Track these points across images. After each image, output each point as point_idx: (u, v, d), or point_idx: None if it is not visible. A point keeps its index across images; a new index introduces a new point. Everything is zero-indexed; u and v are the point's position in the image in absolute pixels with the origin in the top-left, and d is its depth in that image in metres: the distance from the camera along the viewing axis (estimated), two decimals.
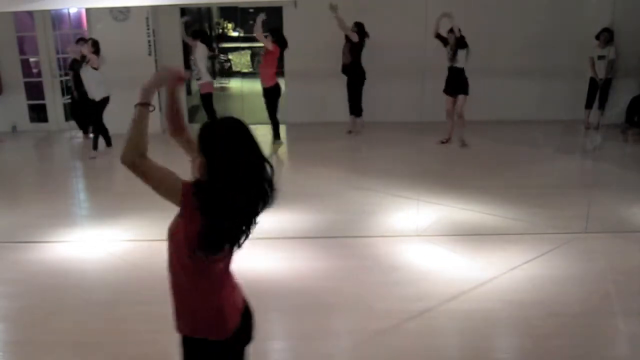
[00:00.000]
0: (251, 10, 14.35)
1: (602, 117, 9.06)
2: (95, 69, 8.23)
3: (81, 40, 9.59)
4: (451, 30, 8.16)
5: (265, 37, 8.43)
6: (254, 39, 14.81)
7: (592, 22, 9.32)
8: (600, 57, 9.24)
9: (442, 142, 8.60)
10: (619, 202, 6.21)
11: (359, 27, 9.02)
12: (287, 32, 9.44)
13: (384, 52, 9.57)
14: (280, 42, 8.38)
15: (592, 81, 9.39)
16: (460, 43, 8.13)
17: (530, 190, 6.58)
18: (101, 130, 8.47)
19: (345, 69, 9.27)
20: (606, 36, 9.16)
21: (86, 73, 8.34)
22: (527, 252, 4.97)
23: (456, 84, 8.33)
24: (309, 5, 9.66)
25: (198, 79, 8.77)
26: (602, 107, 9.34)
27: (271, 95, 8.54)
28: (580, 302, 4.19)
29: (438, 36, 8.23)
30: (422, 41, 9.76)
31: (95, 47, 8.29)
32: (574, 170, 7.75)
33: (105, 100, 8.42)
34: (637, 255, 4.99)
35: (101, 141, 8.46)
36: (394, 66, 9.50)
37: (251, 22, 10.46)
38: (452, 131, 8.57)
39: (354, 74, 9.20)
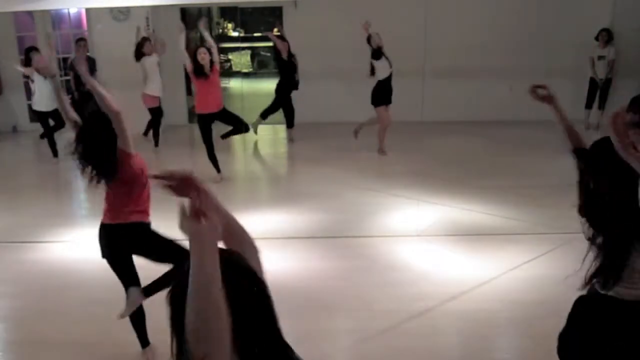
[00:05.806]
0: (250, 10, 14.38)
1: (602, 117, 9.06)
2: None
3: (81, 40, 9.60)
4: (368, 41, 7.67)
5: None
6: (254, 39, 14.74)
7: (592, 22, 9.32)
8: (600, 57, 9.25)
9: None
10: None
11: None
12: (287, 32, 9.45)
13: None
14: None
15: (592, 81, 9.39)
16: (375, 54, 7.71)
17: (530, 190, 6.58)
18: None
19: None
20: (604, 36, 9.16)
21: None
22: (527, 252, 4.97)
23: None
24: (309, 5, 9.65)
25: None
26: (602, 107, 9.35)
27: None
28: None
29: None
30: (422, 42, 9.79)
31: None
32: (574, 170, 7.72)
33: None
34: None
35: None
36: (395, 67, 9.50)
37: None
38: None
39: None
